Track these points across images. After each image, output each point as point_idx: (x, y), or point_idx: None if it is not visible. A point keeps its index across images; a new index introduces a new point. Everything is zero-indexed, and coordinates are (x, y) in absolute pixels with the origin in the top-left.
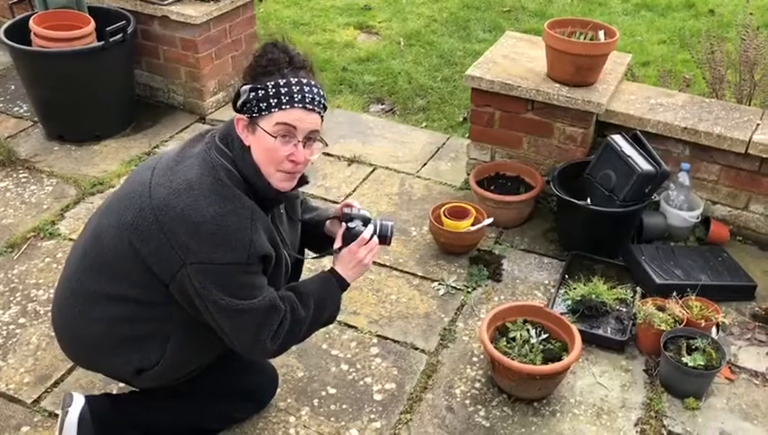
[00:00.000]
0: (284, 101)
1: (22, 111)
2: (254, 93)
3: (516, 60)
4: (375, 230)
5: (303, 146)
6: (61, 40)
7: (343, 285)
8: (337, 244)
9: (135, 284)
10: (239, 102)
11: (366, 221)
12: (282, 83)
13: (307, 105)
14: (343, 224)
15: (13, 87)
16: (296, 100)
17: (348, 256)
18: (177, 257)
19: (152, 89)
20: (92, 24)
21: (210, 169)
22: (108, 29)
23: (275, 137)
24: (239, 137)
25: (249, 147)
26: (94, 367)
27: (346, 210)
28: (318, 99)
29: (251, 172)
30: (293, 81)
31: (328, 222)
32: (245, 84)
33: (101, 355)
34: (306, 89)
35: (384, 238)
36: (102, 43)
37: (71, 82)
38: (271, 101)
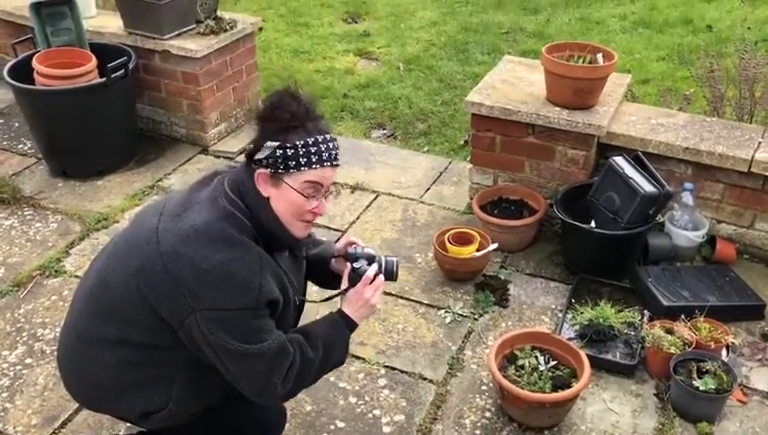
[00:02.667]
0: (314, 160)
1: (26, 148)
2: (281, 151)
3: (515, 84)
4: (380, 269)
5: (325, 198)
6: (63, 78)
7: (351, 325)
8: (343, 285)
9: (141, 328)
10: (262, 156)
11: (371, 259)
12: (311, 142)
13: (333, 162)
14: (348, 264)
15: (17, 124)
16: (324, 159)
17: (355, 297)
18: (186, 304)
19: (154, 122)
20: (94, 61)
21: (219, 217)
22: (109, 65)
23: (304, 194)
24: (255, 188)
25: (267, 198)
26: (100, 410)
27: (350, 250)
28: (338, 152)
29: (271, 223)
30: (320, 138)
31: (333, 260)
32: (270, 140)
33: (107, 399)
34: (330, 145)
35: (390, 275)
36: (104, 79)
37: (73, 118)
38: (300, 160)
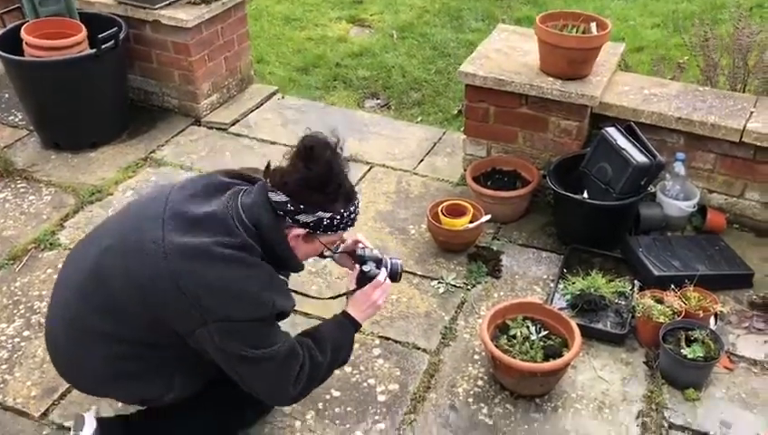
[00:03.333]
0: (349, 224)
1: (17, 119)
2: (328, 221)
3: (509, 54)
4: (387, 272)
5: None
6: (53, 48)
7: (357, 326)
8: (351, 285)
9: (141, 328)
10: (307, 222)
11: (378, 262)
12: (352, 210)
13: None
14: (357, 266)
15: (7, 95)
16: (354, 220)
17: (362, 298)
18: (198, 317)
19: (146, 93)
20: (84, 32)
21: (231, 242)
22: (100, 36)
23: (330, 247)
24: (282, 236)
25: (293, 247)
26: (94, 394)
27: (359, 252)
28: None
29: (288, 258)
30: (356, 202)
31: (337, 255)
32: (321, 210)
33: (102, 387)
34: (359, 206)
35: (394, 276)
36: (95, 50)
37: (64, 90)
38: (341, 225)
